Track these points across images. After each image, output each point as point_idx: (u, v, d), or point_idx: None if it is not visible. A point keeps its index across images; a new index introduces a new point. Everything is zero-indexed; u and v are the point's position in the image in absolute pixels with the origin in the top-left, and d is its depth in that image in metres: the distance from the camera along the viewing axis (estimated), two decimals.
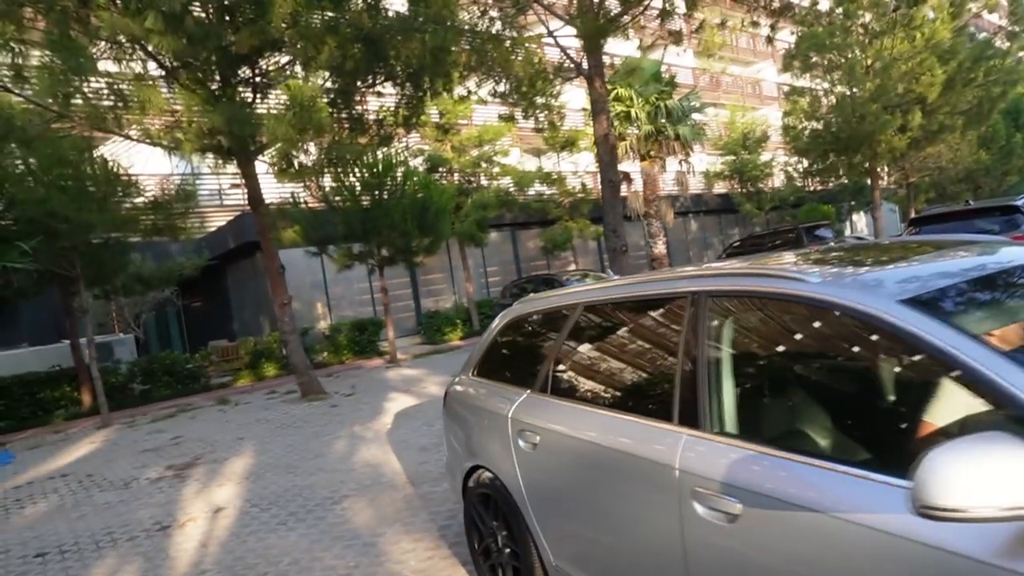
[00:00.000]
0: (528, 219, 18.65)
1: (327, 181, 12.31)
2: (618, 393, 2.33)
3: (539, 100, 14.56)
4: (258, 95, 8.76)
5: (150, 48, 7.60)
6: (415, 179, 12.87)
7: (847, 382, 1.73)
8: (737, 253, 18.83)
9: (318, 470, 5.77)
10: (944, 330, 1.40)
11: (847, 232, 30.09)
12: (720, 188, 25.15)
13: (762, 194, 24.47)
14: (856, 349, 1.63)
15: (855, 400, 1.67)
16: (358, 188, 12.26)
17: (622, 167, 18.78)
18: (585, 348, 2.63)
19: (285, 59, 8.97)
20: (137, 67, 7.91)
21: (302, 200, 12.44)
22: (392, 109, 9.96)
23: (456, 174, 16.93)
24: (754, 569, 1.59)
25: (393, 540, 3.87)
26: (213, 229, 17.36)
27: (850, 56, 16.78)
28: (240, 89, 8.91)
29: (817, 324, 1.73)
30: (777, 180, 26.20)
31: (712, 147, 24.77)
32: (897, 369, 1.52)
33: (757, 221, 25.42)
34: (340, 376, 12.62)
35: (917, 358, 1.44)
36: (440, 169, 16.52)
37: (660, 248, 18.70)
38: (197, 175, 15.31)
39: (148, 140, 7.93)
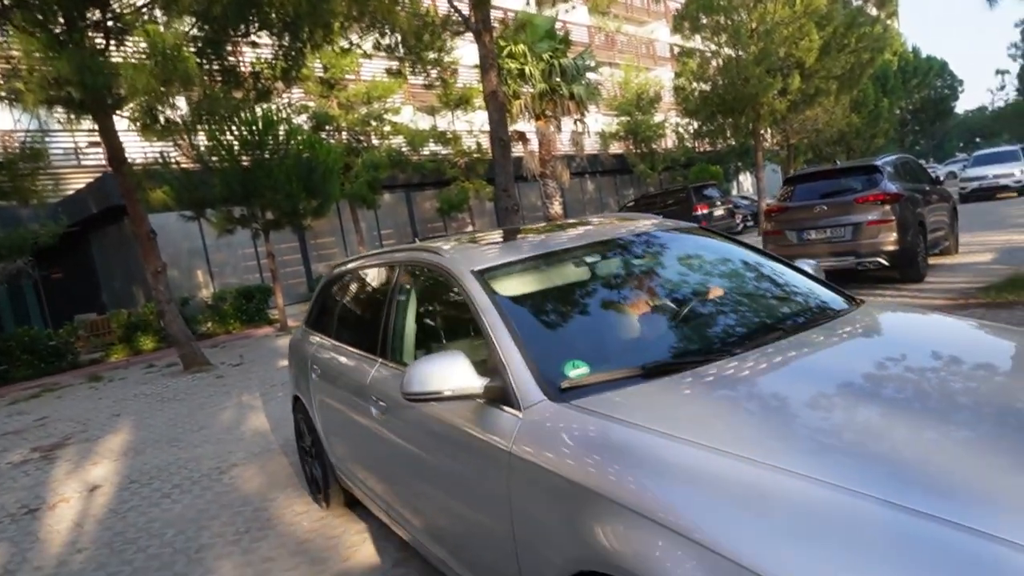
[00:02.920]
0: (423, 180, 18.30)
1: (202, 139, 11.40)
2: (357, 334, 3.14)
3: (429, 55, 14.14)
4: (112, 41, 7.85)
5: None
6: (300, 137, 12.20)
7: (459, 323, 2.44)
8: (634, 211, 19.56)
9: (204, 442, 5.53)
10: (480, 293, 2.18)
11: (734, 192, 31.95)
12: (616, 149, 25.80)
13: (655, 155, 25.39)
14: (459, 299, 2.30)
15: (460, 334, 2.44)
16: (236, 147, 11.45)
17: (517, 127, 18.79)
18: (348, 301, 3.55)
19: (142, 0, 8.10)
20: None
21: (173, 159, 11.45)
22: (270, 61, 9.30)
23: (344, 133, 16.20)
24: (397, 442, 2.47)
25: (285, 504, 3.81)
26: (71, 192, 15.70)
27: (736, 19, 17.53)
28: (91, 34, 7.96)
29: (444, 282, 2.48)
30: (670, 141, 27.27)
31: (607, 107, 25.24)
32: (467, 314, 2.21)
33: (651, 181, 26.42)
34: (227, 346, 11.98)
35: (471, 307, 2.17)
36: (327, 127, 15.73)
37: (556, 208, 19.00)
38: (47, 132, 13.67)
39: None
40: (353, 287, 3.54)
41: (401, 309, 2.73)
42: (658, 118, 25.24)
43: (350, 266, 3.63)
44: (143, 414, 7.09)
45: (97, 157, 15.17)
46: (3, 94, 7.10)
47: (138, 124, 7.63)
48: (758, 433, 1.46)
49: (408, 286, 2.77)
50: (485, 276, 2.29)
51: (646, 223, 2.87)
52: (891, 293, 7.17)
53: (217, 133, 11.14)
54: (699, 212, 17.75)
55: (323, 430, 3.40)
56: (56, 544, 3.82)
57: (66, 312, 15.83)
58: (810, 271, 2.69)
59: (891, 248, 7.24)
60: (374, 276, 3.28)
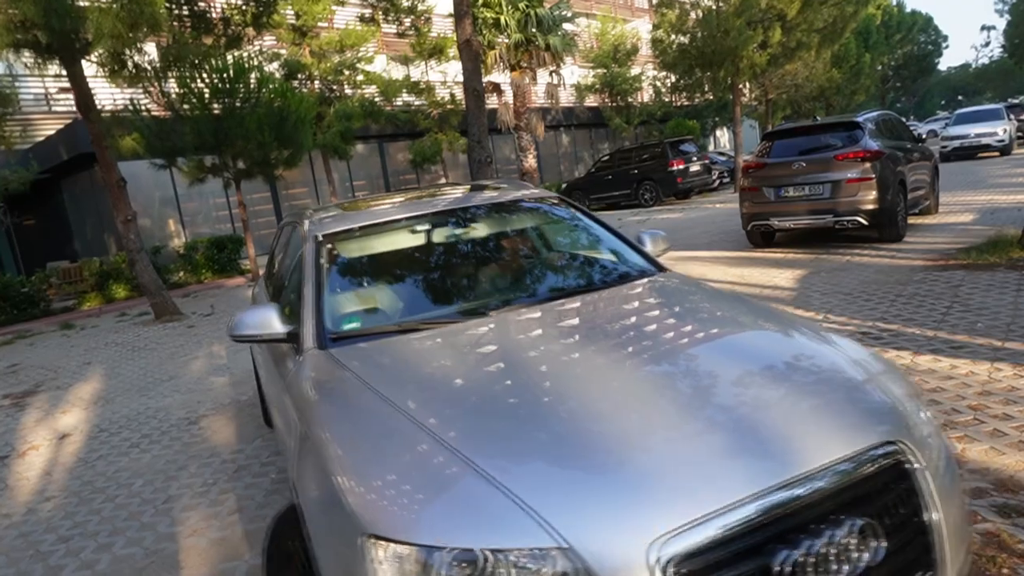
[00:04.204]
0: (396, 131, 18.24)
1: (173, 86, 11.28)
2: (275, 289, 3.52)
3: (402, 2, 13.98)
4: None
5: None
6: (271, 86, 12.11)
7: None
8: (606, 167, 19.73)
9: (173, 391, 5.66)
10: (310, 256, 2.61)
11: (711, 147, 32.13)
12: (591, 102, 25.72)
13: (631, 109, 25.38)
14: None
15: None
16: (207, 95, 11.36)
17: (492, 78, 18.69)
18: (277, 259, 3.86)
19: None
20: None
21: (144, 107, 11.35)
22: (239, 6, 9.21)
23: (317, 82, 16.03)
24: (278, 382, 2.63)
25: (253, 455, 3.89)
26: (41, 139, 15.44)
27: None
28: None
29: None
30: (647, 95, 27.21)
31: (583, 59, 25.06)
32: None
33: (626, 135, 26.50)
34: (199, 296, 12.17)
35: (303, 268, 2.62)
36: (299, 76, 15.55)
37: (531, 162, 19.12)
38: (15, 76, 13.36)
39: None
40: (279, 245, 3.92)
41: (289, 268, 3.17)
42: (635, 71, 25.14)
43: (285, 222, 3.96)
44: (114, 363, 7.25)
45: (68, 103, 14.90)
46: None
47: (106, 70, 7.59)
48: (420, 388, 1.79)
49: (290, 248, 3.26)
50: (326, 241, 2.72)
51: (513, 193, 3.18)
52: (869, 253, 7.28)
53: (188, 80, 11.05)
54: (675, 168, 17.94)
55: (261, 380, 3.70)
56: (25, 492, 3.89)
57: (39, 259, 15.81)
58: (646, 245, 2.91)
59: (870, 207, 7.22)
60: (284, 237, 3.73)
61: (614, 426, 1.46)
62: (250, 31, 9.51)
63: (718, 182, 21.37)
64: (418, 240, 2.91)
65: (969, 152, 18.07)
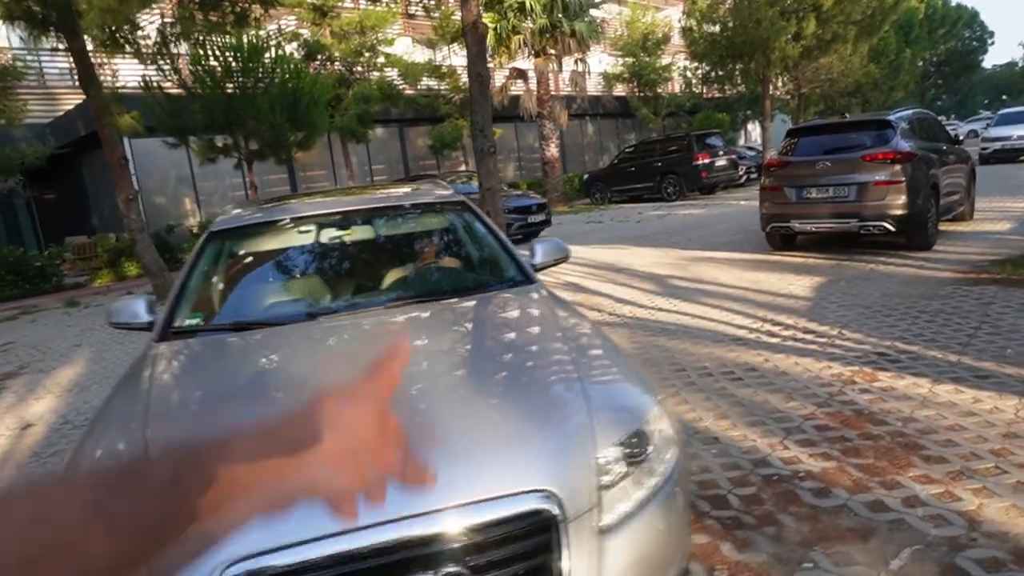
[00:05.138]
0: (417, 115, 17.92)
1: (185, 63, 11.13)
2: None
3: None
4: None
5: None
6: (286, 66, 11.88)
7: None
8: (629, 159, 19.15)
9: None
10: (195, 249, 2.79)
11: (741, 141, 31.19)
12: (619, 91, 25.08)
13: (659, 99, 24.67)
14: None
15: None
16: (220, 73, 11.18)
17: (516, 64, 18.26)
18: None
19: None
20: None
21: (155, 83, 11.22)
22: None
23: (337, 63, 15.77)
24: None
25: None
26: (61, 113, 15.51)
27: None
28: None
29: None
30: (677, 85, 26.45)
31: (612, 47, 24.40)
32: None
33: (654, 126, 25.78)
34: None
35: None
36: (319, 57, 15.32)
37: (552, 151, 18.68)
38: (40, 50, 13.38)
39: None
40: None
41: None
42: (665, 61, 24.40)
43: None
44: (103, 346, 7.10)
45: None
46: None
47: (100, 44, 7.41)
48: (171, 394, 1.99)
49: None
50: (216, 237, 2.87)
51: (414, 197, 3.29)
52: (895, 261, 6.78)
53: (201, 58, 10.87)
54: (699, 161, 17.29)
55: None
56: None
57: (58, 233, 15.95)
58: (536, 256, 2.93)
59: (899, 212, 6.69)
60: None
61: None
62: (257, 8, 9.16)
63: (745, 178, 20.54)
64: (301, 240, 3.02)
65: (1011, 155, 17.08)
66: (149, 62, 8.93)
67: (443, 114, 18.10)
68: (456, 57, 18.68)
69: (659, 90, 24.63)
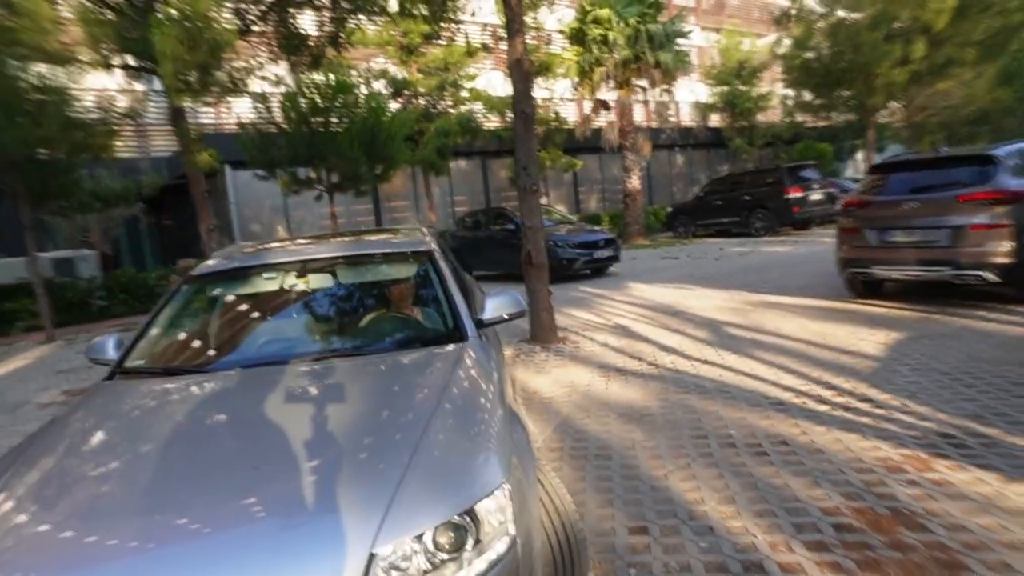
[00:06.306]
0: (500, 147, 18.10)
1: (276, 102, 11.91)
2: None
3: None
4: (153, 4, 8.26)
5: None
6: (364, 103, 12.39)
7: None
8: (716, 192, 18.29)
9: None
10: (169, 293, 3.00)
11: (848, 172, 29.08)
12: (714, 121, 24.21)
13: (755, 129, 23.52)
14: None
15: None
16: (305, 109, 11.84)
17: (600, 95, 18.08)
18: None
19: None
20: None
21: (247, 122, 12.06)
22: (320, 26, 9.44)
23: (422, 99, 16.30)
24: None
25: None
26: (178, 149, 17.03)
27: None
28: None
29: None
30: (778, 114, 25.15)
31: (705, 76, 23.63)
32: None
33: (748, 157, 24.59)
34: None
35: None
36: (404, 92, 15.91)
37: (635, 183, 18.22)
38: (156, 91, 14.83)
39: (44, 55, 7.56)
40: None
41: None
42: (764, 89, 23.28)
43: None
44: None
45: (209, 116, 16.39)
46: (83, 57, 7.65)
47: (171, 87, 8.01)
48: (80, 439, 2.06)
49: None
50: (192, 281, 3.04)
51: (391, 246, 3.35)
52: (996, 317, 5.91)
53: (292, 96, 11.58)
54: (791, 195, 16.21)
55: None
56: None
57: (174, 257, 17.43)
58: (485, 311, 2.81)
59: (1002, 260, 5.88)
60: None
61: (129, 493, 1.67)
62: (331, 51, 9.62)
63: None
64: (263, 288, 3.11)
65: None
66: (231, 101, 9.54)
67: None
68: (540, 90, 18.78)
69: (756, 120, 23.50)
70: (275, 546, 1.40)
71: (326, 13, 8.98)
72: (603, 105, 18.32)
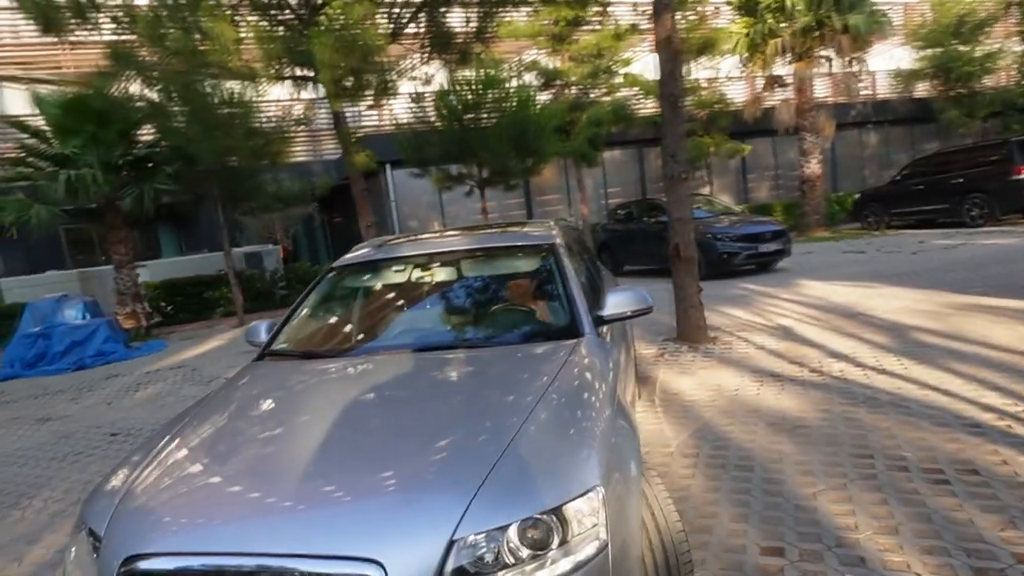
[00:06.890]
0: (656, 135, 17.04)
1: (429, 100, 12.27)
2: None
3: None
4: (315, 18, 8.78)
5: None
6: (515, 97, 12.28)
7: None
8: (917, 174, 15.57)
9: None
10: (314, 281, 3.32)
11: None
12: (920, 91, 20.72)
13: (977, 97, 19.69)
14: None
15: None
16: (457, 106, 12.04)
17: (774, 70, 16.30)
18: None
19: None
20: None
21: (403, 121, 12.56)
22: (467, 22, 9.44)
23: (574, 88, 15.85)
24: None
25: None
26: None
27: None
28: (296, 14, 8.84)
29: None
30: (1011, 76, 20.89)
31: (910, 38, 20.26)
32: None
33: (967, 131, 20.70)
34: None
35: None
36: (556, 82, 15.59)
37: (814, 167, 16.20)
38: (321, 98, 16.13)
39: (229, 74, 8.39)
40: None
41: None
42: (990, 46, 19.38)
43: None
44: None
45: (373, 121, 17.52)
46: (243, 72, 8.46)
47: (329, 92, 8.47)
48: (229, 408, 2.34)
49: None
50: (335, 271, 3.29)
51: (517, 239, 3.39)
52: None
53: (445, 94, 11.86)
54: (1021, 175, 13.27)
55: None
56: None
57: (342, 250, 18.96)
58: (606, 308, 2.70)
59: None
60: None
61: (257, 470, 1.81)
62: (477, 46, 9.58)
63: None
64: (395, 279, 3.33)
65: None
66: (390, 103, 9.91)
67: (686, 131, 16.97)
68: (703, 70, 17.41)
69: (977, 85, 19.64)
70: (397, 517, 1.50)
71: (473, 10, 8.91)
72: (777, 81, 16.52)
